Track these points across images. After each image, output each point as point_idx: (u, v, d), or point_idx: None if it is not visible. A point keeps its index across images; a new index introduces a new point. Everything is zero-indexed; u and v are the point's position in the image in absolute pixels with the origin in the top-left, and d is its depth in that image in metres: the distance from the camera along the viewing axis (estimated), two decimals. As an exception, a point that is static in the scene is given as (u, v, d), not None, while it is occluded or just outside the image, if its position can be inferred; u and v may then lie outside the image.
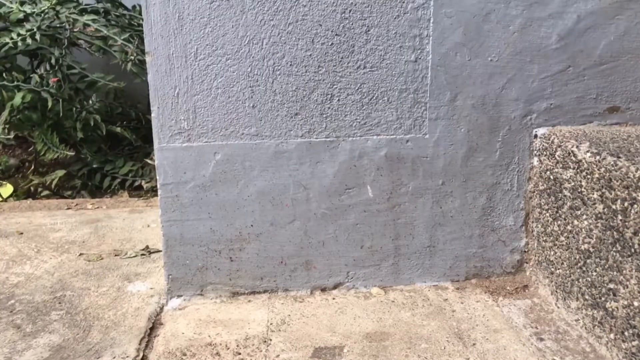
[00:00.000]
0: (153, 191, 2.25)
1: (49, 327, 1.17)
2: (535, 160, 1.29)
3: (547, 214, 1.24)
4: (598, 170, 1.05)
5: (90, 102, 2.34)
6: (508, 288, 1.32)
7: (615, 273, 1.02)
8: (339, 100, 1.22)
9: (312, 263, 1.30)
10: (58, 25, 2.29)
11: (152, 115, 1.21)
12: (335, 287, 1.33)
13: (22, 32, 2.21)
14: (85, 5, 2.40)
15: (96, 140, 2.41)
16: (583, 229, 1.11)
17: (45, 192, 2.27)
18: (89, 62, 2.40)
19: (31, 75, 2.27)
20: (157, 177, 1.23)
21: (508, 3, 1.21)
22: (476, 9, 1.21)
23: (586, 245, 1.10)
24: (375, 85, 1.22)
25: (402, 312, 1.22)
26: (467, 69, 1.23)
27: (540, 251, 1.29)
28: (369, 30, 1.19)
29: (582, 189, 1.11)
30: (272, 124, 1.22)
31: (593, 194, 1.07)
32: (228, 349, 1.10)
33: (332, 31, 1.19)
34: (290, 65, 1.20)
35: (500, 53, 1.23)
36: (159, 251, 1.55)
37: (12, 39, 2.20)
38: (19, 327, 1.17)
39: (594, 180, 1.07)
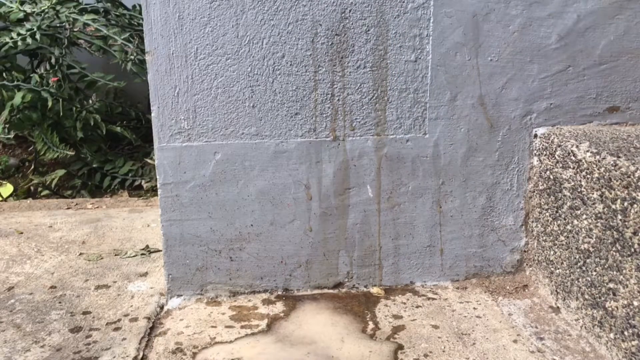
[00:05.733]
0: (153, 191, 2.25)
1: (49, 326, 1.17)
2: (535, 160, 1.29)
3: (547, 214, 1.24)
4: (598, 170, 1.06)
5: (90, 101, 2.34)
6: (508, 288, 1.32)
7: (615, 273, 1.02)
8: (338, 99, 1.22)
9: (311, 262, 1.31)
10: (58, 24, 2.29)
11: (152, 114, 1.21)
12: (335, 286, 1.33)
13: (22, 31, 2.21)
14: (85, 4, 2.40)
15: (96, 139, 2.41)
16: (583, 229, 1.11)
17: (45, 192, 2.27)
18: (89, 62, 2.40)
19: (31, 75, 2.27)
20: (157, 177, 1.23)
21: (508, 3, 1.21)
22: (476, 8, 1.21)
23: (586, 245, 1.10)
24: (375, 85, 1.22)
25: (401, 312, 1.22)
26: (467, 68, 1.23)
27: (540, 251, 1.29)
28: (368, 30, 1.19)
29: (582, 189, 1.11)
30: (272, 124, 1.22)
31: (593, 193, 1.07)
32: (228, 348, 1.10)
33: (332, 31, 1.19)
34: (290, 65, 1.20)
35: (500, 53, 1.23)
36: (159, 251, 1.55)
37: (12, 38, 2.20)
38: (19, 327, 1.17)
39: (594, 180, 1.07)
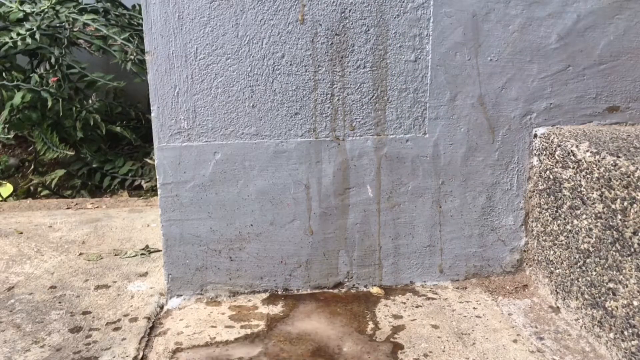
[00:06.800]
0: (153, 191, 2.25)
1: (48, 326, 1.17)
2: (534, 160, 1.29)
3: (547, 214, 1.24)
4: (597, 169, 1.06)
5: (90, 101, 2.34)
6: (508, 287, 1.32)
7: (614, 272, 1.02)
8: (338, 99, 1.22)
9: (311, 262, 1.31)
10: (58, 24, 2.29)
11: (152, 114, 1.21)
12: (335, 286, 1.33)
13: (22, 31, 2.21)
14: (85, 4, 2.40)
15: (96, 139, 2.41)
16: (582, 229, 1.11)
17: (45, 192, 2.27)
18: (88, 62, 2.40)
19: (31, 75, 2.27)
20: (157, 177, 1.23)
21: (508, 3, 1.21)
22: (476, 8, 1.21)
23: (586, 245, 1.10)
24: (374, 85, 1.22)
25: (401, 312, 1.22)
26: (466, 68, 1.23)
27: (539, 251, 1.29)
28: (368, 30, 1.19)
29: (582, 189, 1.11)
30: (271, 124, 1.22)
31: (592, 193, 1.07)
32: (228, 348, 1.10)
33: (332, 31, 1.19)
34: (290, 64, 1.20)
35: (500, 52, 1.23)
36: (158, 251, 1.55)
37: (11, 38, 2.20)
38: (19, 327, 1.17)
39: (594, 179, 1.07)
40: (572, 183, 1.14)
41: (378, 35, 1.20)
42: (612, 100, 1.29)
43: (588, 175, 1.09)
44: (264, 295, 1.30)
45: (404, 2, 1.19)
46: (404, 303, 1.26)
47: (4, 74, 2.23)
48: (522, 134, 1.29)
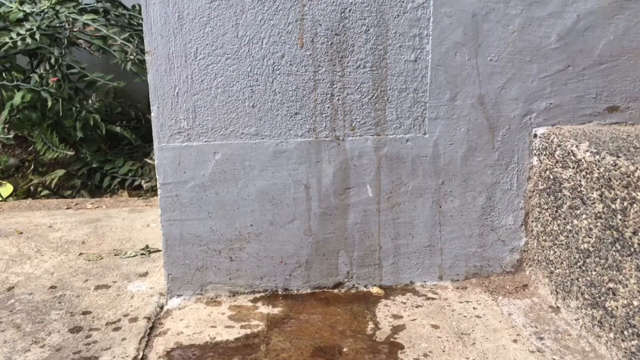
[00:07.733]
0: (153, 191, 2.25)
1: (48, 326, 1.17)
2: (534, 160, 1.29)
3: (547, 214, 1.24)
4: (597, 169, 1.06)
5: (90, 101, 2.34)
6: (508, 287, 1.32)
7: (614, 272, 1.02)
8: (338, 99, 1.22)
9: (311, 262, 1.31)
10: (57, 24, 2.29)
11: (152, 114, 1.21)
12: (335, 286, 1.33)
13: (22, 31, 2.21)
14: (85, 4, 2.40)
15: (96, 139, 2.41)
16: (582, 229, 1.11)
17: (45, 192, 2.27)
18: (88, 62, 2.40)
19: (31, 75, 2.27)
20: (157, 177, 1.23)
21: (508, 2, 1.21)
22: (476, 8, 1.21)
23: (586, 245, 1.10)
24: (374, 85, 1.22)
25: (401, 312, 1.22)
26: (466, 68, 1.23)
27: (539, 250, 1.29)
28: (368, 30, 1.19)
29: (582, 189, 1.11)
30: (271, 124, 1.23)
31: (592, 193, 1.07)
32: (228, 348, 1.10)
33: (332, 31, 1.19)
34: (290, 64, 1.20)
35: (500, 52, 1.23)
36: (158, 251, 1.55)
37: (11, 38, 2.20)
38: (19, 327, 1.17)
39: (594, 179, 1.07)
40: (572, 183, 1.14)
41: (378, 35, 1.20)
42: (612, 100, 1.29)
43: (588, 175, 1.09)
44: (264, 295, 1.30)
45: (404, 2, 1.19)
46: (404, 303, 1.26)
47: (4, 74, 2.23)
48: (522, 133, 1.29)
